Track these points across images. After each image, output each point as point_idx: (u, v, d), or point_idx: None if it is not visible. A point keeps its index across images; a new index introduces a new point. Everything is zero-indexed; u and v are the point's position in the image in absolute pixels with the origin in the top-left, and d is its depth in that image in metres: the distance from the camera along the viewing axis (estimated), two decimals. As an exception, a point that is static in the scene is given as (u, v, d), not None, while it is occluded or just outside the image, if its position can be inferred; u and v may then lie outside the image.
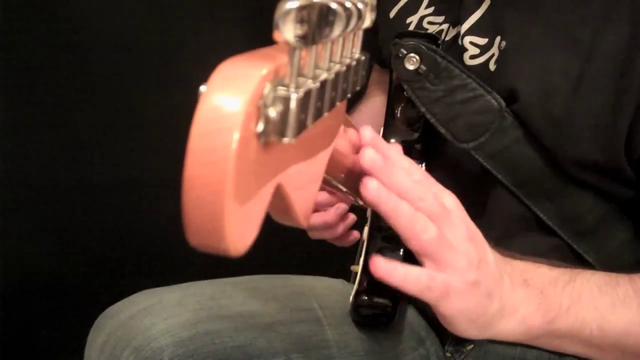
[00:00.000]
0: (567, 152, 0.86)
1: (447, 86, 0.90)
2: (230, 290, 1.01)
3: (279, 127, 0.41)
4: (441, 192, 0.72)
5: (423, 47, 0.89)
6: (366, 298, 1.00)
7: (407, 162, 0.70)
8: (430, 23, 0.99)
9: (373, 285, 1.00)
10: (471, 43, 0.92)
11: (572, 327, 0.78)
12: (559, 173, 0.89)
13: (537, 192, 0.91)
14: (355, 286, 1.01)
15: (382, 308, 1.00)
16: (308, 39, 0.40)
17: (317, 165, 0.55)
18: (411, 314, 1.07)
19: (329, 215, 0.99)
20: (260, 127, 0.40)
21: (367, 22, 0.52)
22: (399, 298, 1.01)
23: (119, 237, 1.65)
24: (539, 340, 0.80)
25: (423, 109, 0.91)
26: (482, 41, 0.92)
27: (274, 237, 1.05)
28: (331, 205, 1.00)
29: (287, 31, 0.39)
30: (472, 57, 0.92)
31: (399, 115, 0.97)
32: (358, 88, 0.56)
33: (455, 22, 0.95)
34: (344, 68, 0.49)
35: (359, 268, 1.02)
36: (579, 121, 0.84)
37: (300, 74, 0.43)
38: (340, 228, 1.01)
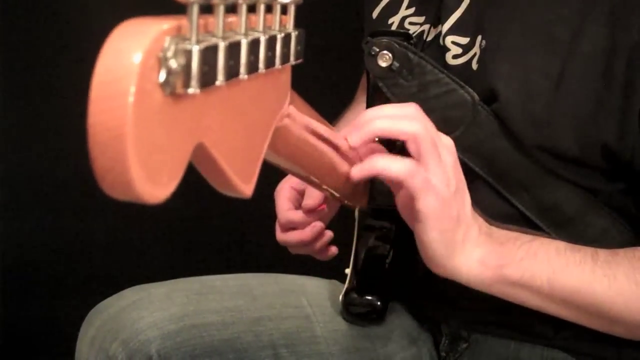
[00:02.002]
0: (548, 150, 0.87)
1: (421, 82, 0.91)
2: (219, 285, 1.03)
3: (182, 78, 0.43)
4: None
5: (395, 44, 0.91)
6: (356, 296, 1.01)
7: None
8: (411, 24, 1.00)
9: (363, 284, 1.01)
10: (453, 43, 0.93)
11: (522, 276, 0.81)
12: (535, 165, 0.89)
13: (514, 183, 0.92)
14: (346, 284, 1.02)
15: (372, 305, 1.01)
16: None
17: (254, 135, 0.56)
18: (404, 314, 1.08)
19: (305, 233, 1.01)
20: (162, 76, 0.42)
21: None
22: (388, 296, 1.03)
23: (116, 237, 1.67)
24: (493, 288, 0.82)
25: None
26: (464, 40, 0.93)
27: (271, 239, 1.07)
28: (307, 224, 1.01)
29: None
30: (455, 56, 0.93)
31: None
32: (293, 61, 0.58)
33: (436, 22, 0.96)
34: (266, 37, 0.51)
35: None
36: (560, 120, 0.85)
37: (209, 33, 0.46)
38: (317, 245, 1.03)
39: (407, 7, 1.01)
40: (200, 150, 0.48)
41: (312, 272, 1.12)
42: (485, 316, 0.97)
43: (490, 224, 0.83)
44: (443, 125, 0.91)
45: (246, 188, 0.55)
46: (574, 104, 0.84)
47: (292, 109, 0.64)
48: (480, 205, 0.94)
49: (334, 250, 1.05)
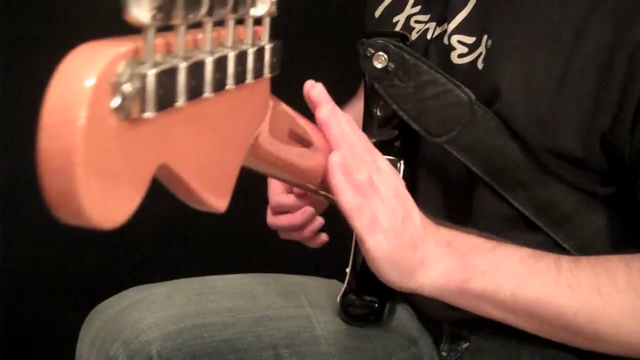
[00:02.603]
0: (551, 149, 0.86)
1: (417, 82, 0.90)
2: (219, 286, 1.02)
3: (139, 102, 0.42)
4: (375, 153, 0.78)
5: (390, 45, 0.90)
6: (354, 297, 1.01)
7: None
8: (417, 22, 0.99)
9: (361, 285, 1.01)
10: (459, 42, 0.92)
11: (487, 289, 0.79)
12: (532, 163, 0.88)
13: (511, 182, 0.91)
14: (345, 285, 1.02)
15: (370, 307, 1.01)
16: (161, 19, 0.41)
17: (228, 150, 0.55)
18: (404, 314, 1.07)
19: (295, 217, 1.00)
20: (116, 102, 0.41)
21: (261, 9, 0.53)
22: (386, 297, 1.02)
23: (116, 237, 1.65)
24: (457, 300, 0.81)
25: (395, 106, 0.91)
26: (470, 40, 0.92)
27: (272, 238, 1.07)
28: (298, 208, 1.00)
29: (138, 11, 0.40)
30: (460, 55, 0.92)
31: (376, 114, 0.98)
32: (268, 74, 0.57)
33: (442, 20, 0.95)
34: (235, 52, 0.50)
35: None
36: (563, 119, 0.84)
37: (171, 54, 0.45)
38: (308, 230, 1.02)
39: (413, 6, 1.00)
40: (164, 170, 0.47)
41: (313, 272, 1.11)
42: (485, 316, 0.96)
43: (442, 225, 0.81)
44: (440, 125, 0.91)
45: (219, 204, 0.54)
46: (577, 102, 0.83)
47: (274, 120, 0.63)
48: (480, 206, 0.94)
49: (323, 237, 1.05)
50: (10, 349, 1.65)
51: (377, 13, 1.04)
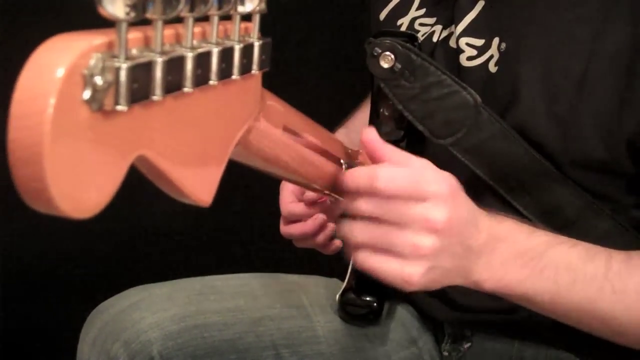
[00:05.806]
0: (573, 152, 0.84)
1: (423, 83, 0.89)
2: (219, 286, 1.01)
3: (111, 95, 0.41)
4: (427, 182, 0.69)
5: (398, 45, 0.89)
6: (353, 296, 1.00)
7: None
8: (422, 25, 0.98)
9: (361, 284, 1.00)
10: (467, 44, 0.90)
11: (525, 294, 0.75)
12: (537, 167, 0.86)
13: (516, 186, 0.89)
14: (344, 284, 1.01)
15: (369, 306, 1.00)
16: (134, 15, 0.41)
17: (213, 145, 0.55)
18: (404, 313, 1.05)
19: (307, 225, 0.98)
20: (87, 94, 0.41)
21: (249, 6, 0.53)
22: (385, 297, 1.01)
23: (117, 237, 1.66)
24: (488, 293, 0.76)
25: (400, 107, 0.90)
26: (479, 42, 0.90)
27: (272, 238, 1.07)
28: (309, 216, 0.98)
29: (111, 6, 0.40)
30: (470, 58, 0.90)
31: (383, 114, 0.97)
32: (256, 71, 0.56)
33: (448, 23, 0.93)
34: (218, 49, 0.50)
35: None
36: (585, 121, 0.82)
37: (148, 48, 0.45)
38: (321, 238, 0.99)
39: (418, 8, 0.98)
40: (143, 162, 0.46)
41: (313, 272, 1.10)
42: (488, 317, 0.95)
43: (496, 218, 0.75)
44: (445, 127, 0.89)
45: (204, 198, 0.54)
46: (598, 103, 0.82)
47: (267, 116, 0.63)
48: (485, 209, 0.93)
49: (337, 243, 1.02)
50: (10, 349, 1.64)
51: (382, 16, 1.02)
